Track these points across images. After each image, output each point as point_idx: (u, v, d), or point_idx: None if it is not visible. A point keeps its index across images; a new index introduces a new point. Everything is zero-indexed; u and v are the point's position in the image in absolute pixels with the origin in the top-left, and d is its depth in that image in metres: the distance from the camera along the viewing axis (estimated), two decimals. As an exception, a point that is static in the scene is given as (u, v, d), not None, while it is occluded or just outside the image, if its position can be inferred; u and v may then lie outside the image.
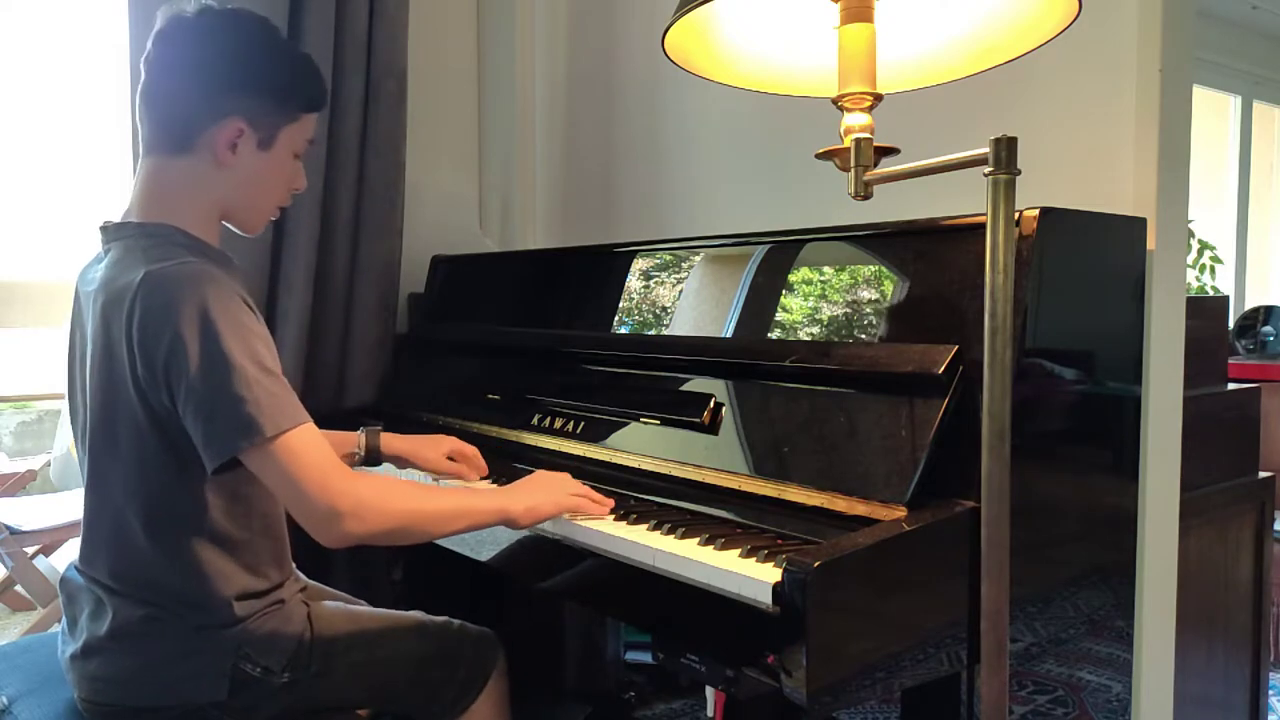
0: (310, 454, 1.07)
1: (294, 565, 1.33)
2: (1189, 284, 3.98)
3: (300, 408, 1.10)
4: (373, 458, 1.50)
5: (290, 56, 1.24)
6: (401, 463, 1.51)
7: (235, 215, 1.25)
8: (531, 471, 1.31)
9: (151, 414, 1.10)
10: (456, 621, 1.39)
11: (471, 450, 1.50)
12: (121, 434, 1.13)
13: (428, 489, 1.22)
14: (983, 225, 0.91)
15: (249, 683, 1.17)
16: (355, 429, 1.52)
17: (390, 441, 1.50)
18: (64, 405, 3.49)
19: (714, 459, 1.28)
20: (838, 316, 1.29)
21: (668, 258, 1.59)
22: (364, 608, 1.36)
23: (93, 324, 1.15)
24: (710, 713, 1.80)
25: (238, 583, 1.18)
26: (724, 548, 1.07)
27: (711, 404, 1.32)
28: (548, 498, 1.23)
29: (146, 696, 1.16)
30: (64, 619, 1.26)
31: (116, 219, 1.22)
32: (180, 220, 1.18)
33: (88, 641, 1.17)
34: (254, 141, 1.19)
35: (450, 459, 1.48)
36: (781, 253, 1.40)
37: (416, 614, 1.37)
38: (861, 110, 1.04)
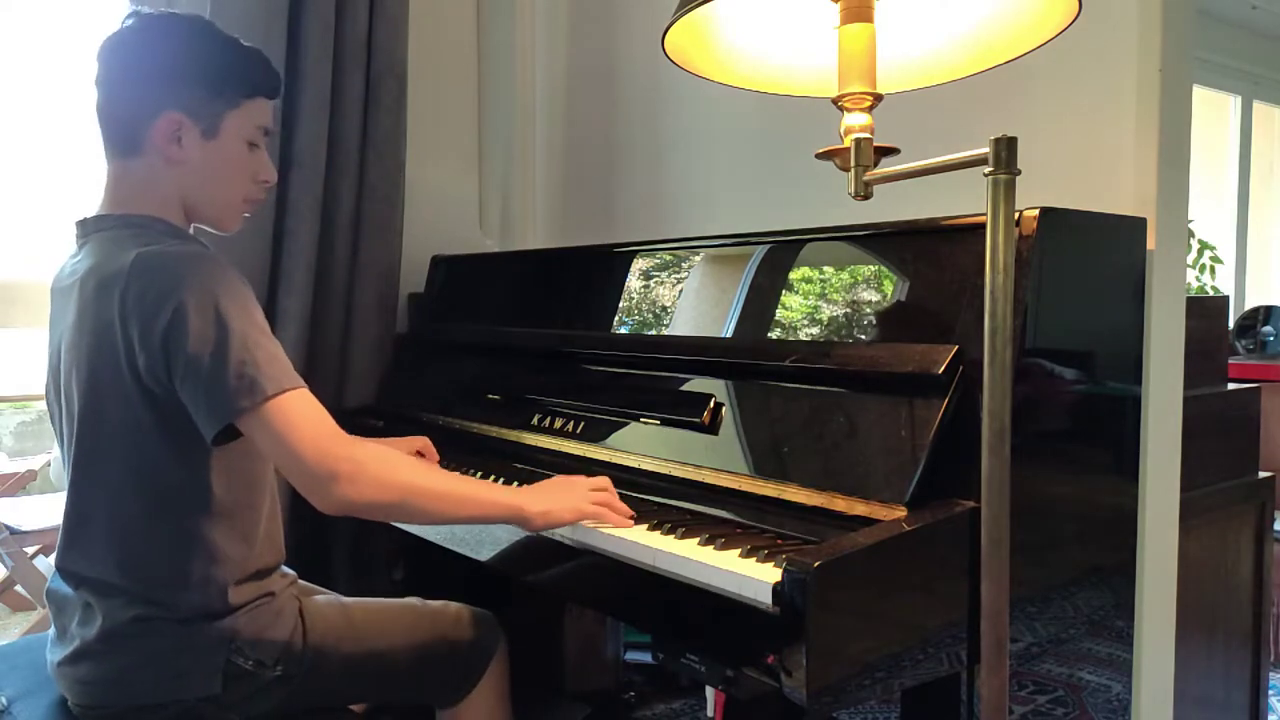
0: (309, 415, 1.07)
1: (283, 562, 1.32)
2: (1189, 284, 3.98)
3: (295, 373, 1.10)
4: None
5: (226, 45, 1.22)
6: None
7: (199, 211, 1.24)
8: (532, 472, 1.31)
9: (145, 394, 1.10)
10: (454, 605, 1.35)
11: (434, 456, 1.55)
12: (113, 419, 1.12)
13: (436, 469, 1.20)
14: (983, 225, 0.91)
15: (242, 677, 1.16)
16: (355, 429, 1.51)
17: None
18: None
19: (714, 459, 1.28)
20: (838, 316, 1.29)
21: (668, 258, 1.59)
22: (356, 599, 1.33)
23: (75, 313, 1.14)
24: (710, 713, 1.80)
25: (236, 564, 1.17)
26: (724, 548, 1.07)
27: (711, 404, 1.32)
28: (566, 504, 1.19)
29: (139, 695, 1.15)
30: (53, 628, 1.24)
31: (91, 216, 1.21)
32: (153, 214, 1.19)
33: (78, 647, 1.16)
34: (197, 132, 1.19)
35: (419, 454, 1.51)
36: (781, 253, 1.40)
37: (412, 600, 1.35)
38: (861, 110, 1.04)
